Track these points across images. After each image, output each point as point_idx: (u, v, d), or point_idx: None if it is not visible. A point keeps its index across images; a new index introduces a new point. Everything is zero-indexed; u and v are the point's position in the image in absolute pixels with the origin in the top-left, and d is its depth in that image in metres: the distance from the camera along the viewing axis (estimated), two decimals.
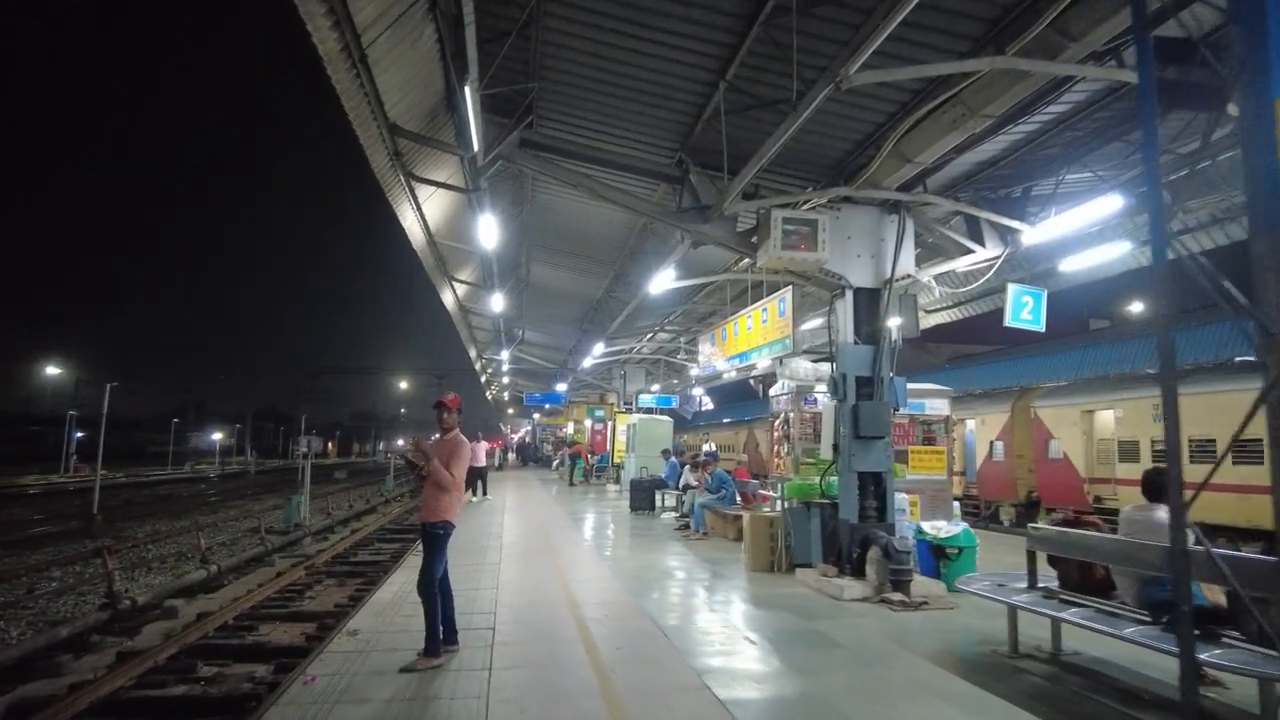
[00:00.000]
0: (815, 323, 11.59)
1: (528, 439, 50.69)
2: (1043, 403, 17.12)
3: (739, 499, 11.32)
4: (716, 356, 11.12)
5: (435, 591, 4.94)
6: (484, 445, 18.52)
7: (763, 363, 10.82)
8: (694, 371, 22.59)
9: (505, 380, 35.16)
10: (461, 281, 14.51)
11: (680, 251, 9.04)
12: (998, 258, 8.18)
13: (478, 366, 31.67)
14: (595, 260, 12.97)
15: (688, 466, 14.52)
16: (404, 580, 7.76)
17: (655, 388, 25.89)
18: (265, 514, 21.77)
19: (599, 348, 18.52)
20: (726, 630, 5.77)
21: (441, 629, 4.95)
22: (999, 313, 16.97)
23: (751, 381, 57.52)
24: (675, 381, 25.49)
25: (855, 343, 7.57)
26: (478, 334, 23.09)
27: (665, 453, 15.99)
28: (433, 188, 8.35)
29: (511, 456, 45.97)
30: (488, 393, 46.93)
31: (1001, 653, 5.04)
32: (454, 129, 6.96)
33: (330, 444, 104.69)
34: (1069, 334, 25.79)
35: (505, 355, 23.65)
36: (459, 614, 6.17)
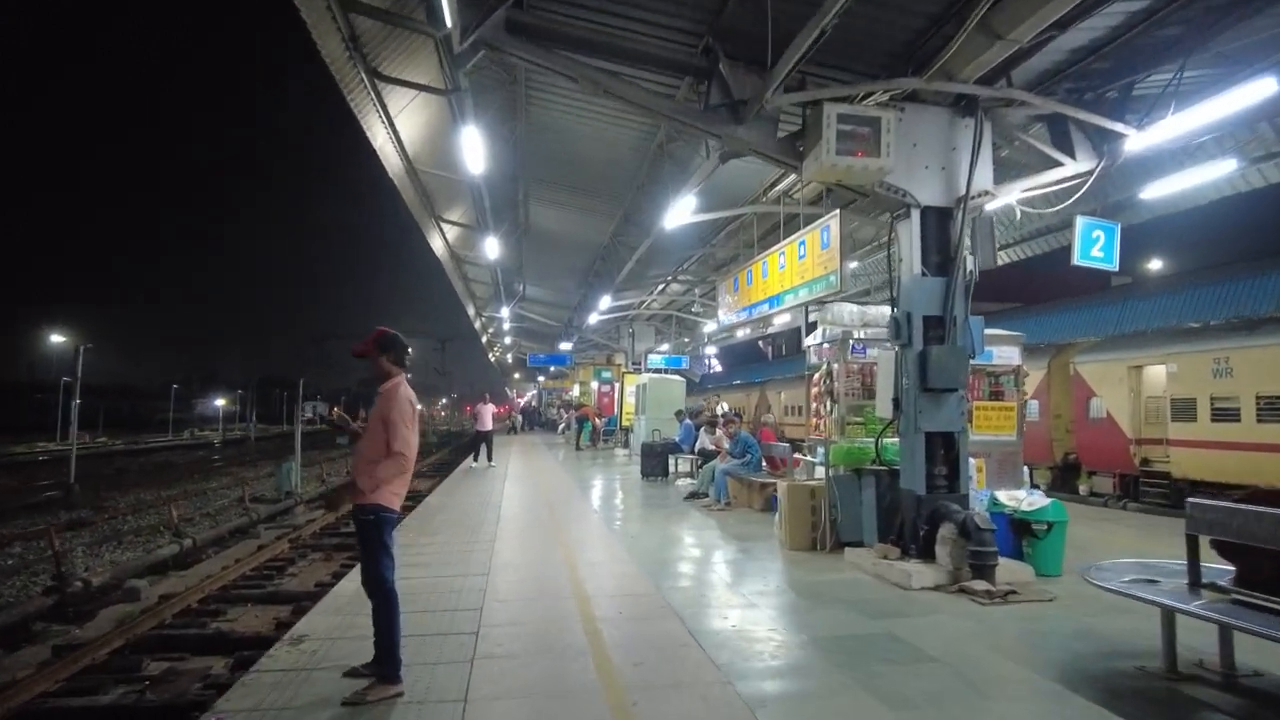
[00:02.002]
0: (850, 264, 10.15)
1: (534, 403, 49.67)
2: (1084, 359, 15.72)
3: (764, 465, 10.05)
4: (740, 304, 9.71)
5: (390, 590, 3.67)
6: (490, 408, 17.33)
7: (795, 309, 9.43)
8: (708, 328, 21.21)
9: (507, 341, 33.83)
10: (451, 223, 13.02)
11: (704, 173, 7.57)
12: (1090, 172, 6.70)
13: (477, 325, 30.29)
14: (601, 196, 11.45)
15: (703, 429, 13.27)
16: None
17: (665, 347, 24.55)
18: (259, 481, 20.79)
19: (605, 301, 17.09)
20: (776, 634, 4.51)
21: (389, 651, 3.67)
22: (1028, 263, 15.57)
23: (761, 344, 56.40)
24: (686, 340, 24.16)
25: (923, 274, 6.17)
26: (475, 288, 21.64)
27: (679, 414, 14.72)
28: (405, 92, 6.90)
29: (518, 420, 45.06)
30: (490, 355, 45.70)
31: (1154, 671, 3.75)
32: (424, 7, 5.50)
33: (336, 409, 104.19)
34: (1095, 289, 24.22)
35: (505, 312, 22.23)
36: (435, 613, 4.95)
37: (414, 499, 15.40)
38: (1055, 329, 21.86)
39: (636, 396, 19.22)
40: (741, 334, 23.16)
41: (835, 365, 7.30)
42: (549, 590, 5.58)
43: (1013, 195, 6.70)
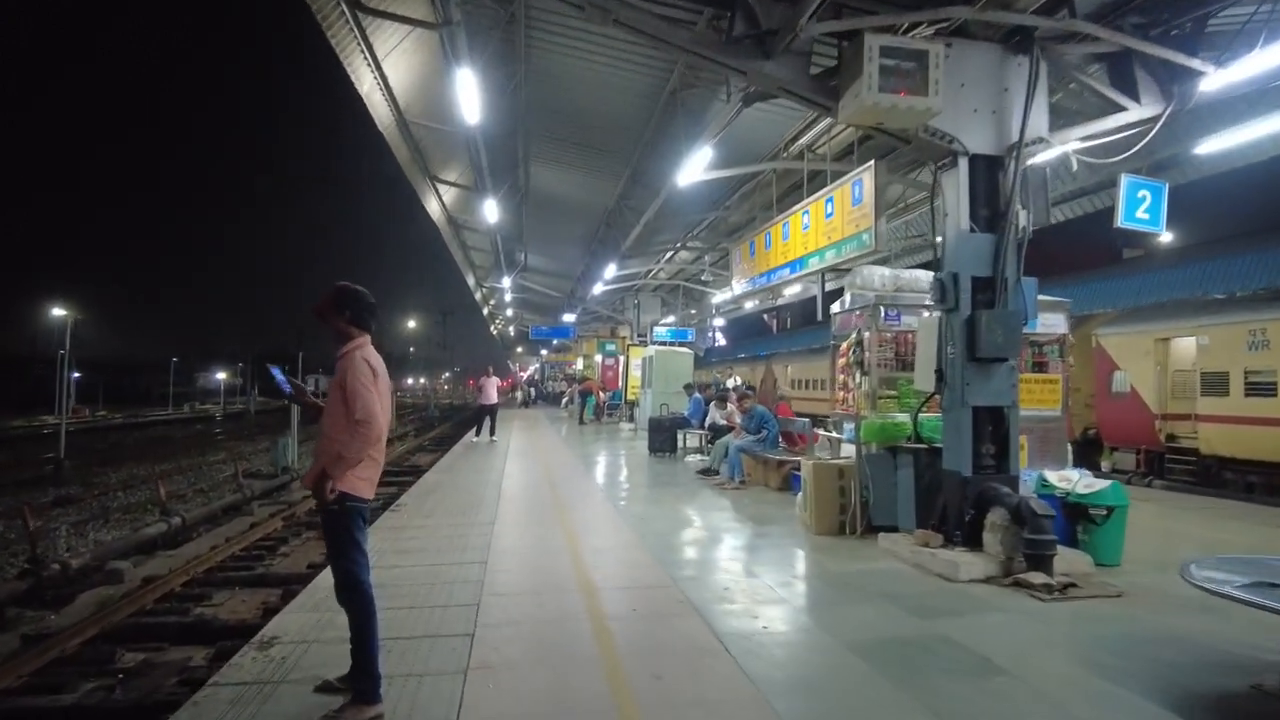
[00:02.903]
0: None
1: (536, 376, 49.16)
2: (1107, 331, 15.05)
3: (781, 441, 9.46)
4: (756, 270, 9.03)
5: (365, 594, 3.10)
6: (494, 381, 16.68)
7: (816, 275, 8.75)
8: (717, 298, 20.50)
9: (509, 313, 33.11)
10: (448, 183, 12.26)
11: (722, 121, 6.87)
12: (1155, 118, 5.99)
13: (478, 296, 29.56)
14: (607, 154, 10.68)
15: (714, 403, 12.69)
16: (371, 547, 5.98)
17: (670, 319, 23.89)
18: (257, 456, 20.34)
19: (610, 270, 16.37)
20: (815, 636, 3.95)
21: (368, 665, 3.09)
22: (1037, 233, 14.81)
23: (766, 317, 55.64)
24: (694, 312, 23.46)
25: (971, 230, 5.51)
26: (475, 256, 20.86)
27: (688, 387, 14.12)
28: (393, 32, 6.18)
29: (520, 394, 44.64)
30: (492, 328, 45.06)
31: (1272, 689, 3.17)
32: None
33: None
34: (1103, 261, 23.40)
35: (507, 282, 21.51)
36: (426, 609, 4.38)
37: (413, 473, 14.99)
38: (1074, 301, 21.11)
39: (643, 369, 18.63)
40: (750, 305, 22.50)
41: (866, 334, 6.66)
42: (552, 581, 5.02)
43: (1069, 143, 5.99)
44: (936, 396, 5.81)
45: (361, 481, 3.06)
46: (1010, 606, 4.42)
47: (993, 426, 5.51)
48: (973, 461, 5.41)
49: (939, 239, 5.72)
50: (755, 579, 5.10)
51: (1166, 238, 30.55)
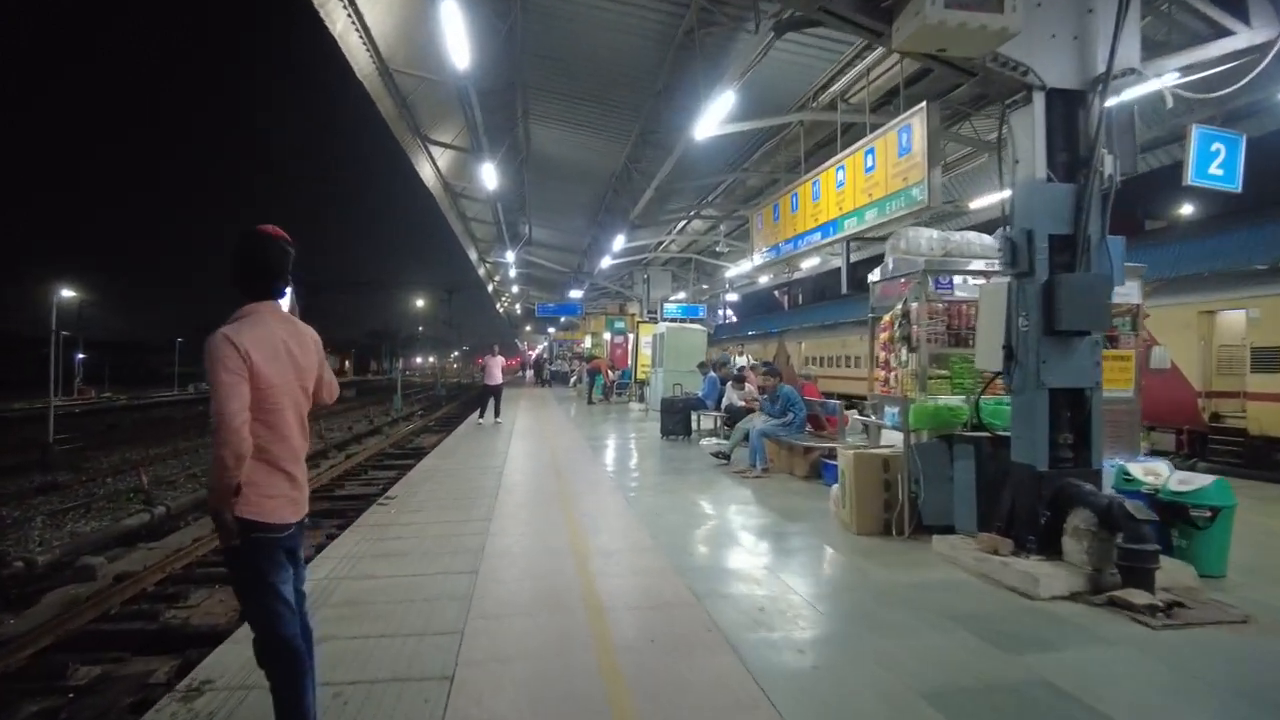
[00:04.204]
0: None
1: (544, 355, 48.48)
2: (1146, 303, 14.05)
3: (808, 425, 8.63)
4: (781, 236, 8.14)
5: (287, 654, 2.31)
6: (499, 360, 15.80)
7: (829, 249, 7.83)
8: (731, 272, 19.57)
9: (515, 290, 32.22)
10: (441, 144, 11.32)
11: (747, 60, 5.94)
12: (1270, 43, 5.04)
13: (481, 273, 28.63)
14: (614, 108, 9.72)
15: (730, 383, 11.86)
16: (349, 550, 5.22)
17: (681, 295, 22.98)
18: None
19: (619, 242, 15.44)
20: (877, 678, 3.14)
21: None
22: None
23: (777, 293, 54.53)
24: (705, 287, 22.54)
25: (1048, 179, 4.62)
26: (476, 229, 19.89)
27: (702, 366, 13.27)
28: None
29: (528, 374, 43.99)
30: (499, 305, 44.23)
31: None
32: None
33: (346, 361, 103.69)
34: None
35: (511, 257, 20.61)
36: (398, 638, 3.58)
37: (416, 455, 14.29)
38: None
39: (653, 347, 17.80)
40: (765, 280, 21.53)
41: (914, 305, 5.79)
42: (553, 596, 4.24)
43: (1164, 76, 5.06)
44: (1001, 377, 4.96)
45: (270, 501, 2.26)
46: (1112, 635, 3.61)
47: (1071, 412, 4.67)
48: (1049, 453, 4.58)
49: (1006, 193, 4.83)
50: (793, 594, 4.30)
51: (1187, 209, 29.45)
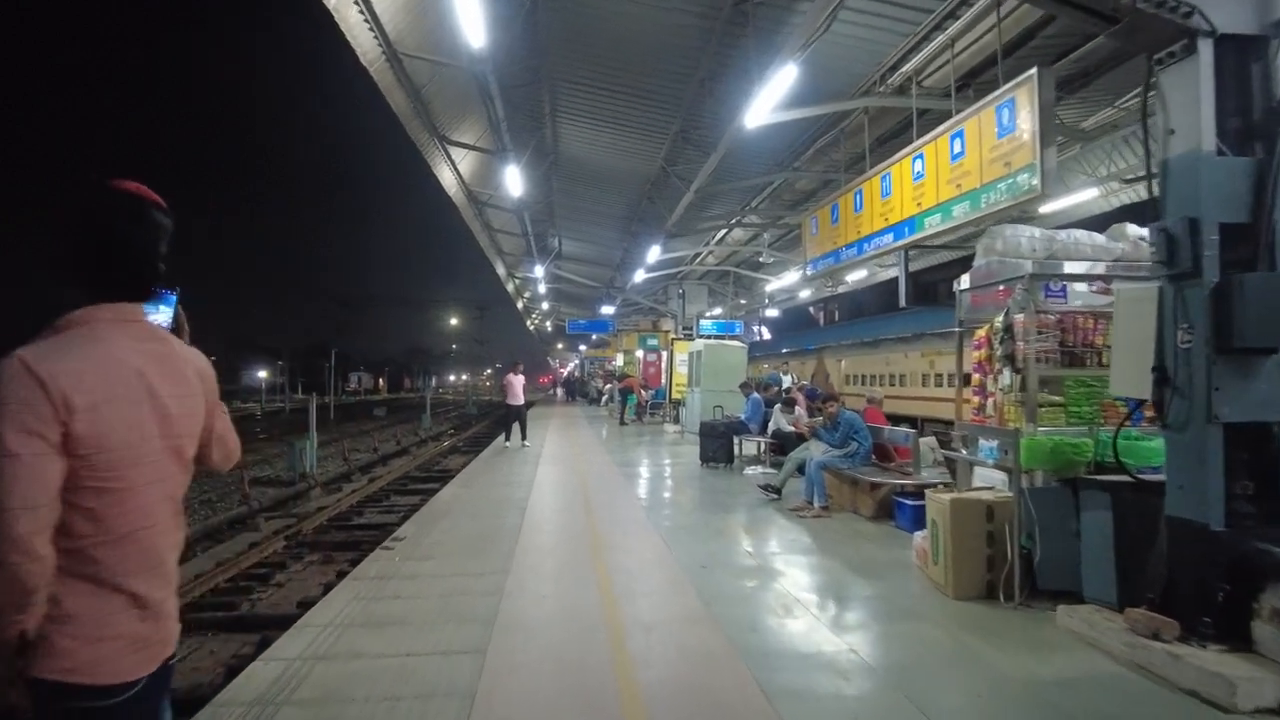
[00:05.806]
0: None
1: (575, 374, 47.84)
2: None
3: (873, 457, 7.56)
4: (842, 240, 7.15)
5: None
6: (520, 379, 14.67)
7: (881, 259, 6.80)
8: (771, 286, 18.53)
9: (545, 307, 31.54)
10: (461, 145, 10.56)
11: (812, 26, 5.00)
12: None
13: (510, 289, 27.98)
14: (651, 101, 8.82)
15: (778, 406, 10.84)
16: (336, 613, 4.31)
17: (717, 311, 22.02)
18: (277, 460, 19.20)
19: (654, 253, 14.54)
20: None
21: None
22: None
23: (812, 309, 53.16)
24: (743, 302, 21.52)
25: (1218, 152, 3.58)
26: (502, 241, 19.15)
27: (744, 387, 12.25)
28: None
29: (560, 392, 43.36)
30: (529, 322, 43.69)
31: None
32: None
33: (381, 379, 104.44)
34: None
35: (540, 271, 19.84)
36: None
37: (441, 479, 13.48)
38: None
39: (689, 366, 16.83)
40: (805, 294, 20.45)
41: (1018, 316, 4.75)
42: (582, 697, 3.26)
43: None
44: (1149, 407, 3.90)
45: (99, 646, 1.35)
46: None
47: (1252, 453, 3.59)
48: (1224, 507, 3.51)
49: (1157, 174, 3.81)
50: (896, 692, 3.28)
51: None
